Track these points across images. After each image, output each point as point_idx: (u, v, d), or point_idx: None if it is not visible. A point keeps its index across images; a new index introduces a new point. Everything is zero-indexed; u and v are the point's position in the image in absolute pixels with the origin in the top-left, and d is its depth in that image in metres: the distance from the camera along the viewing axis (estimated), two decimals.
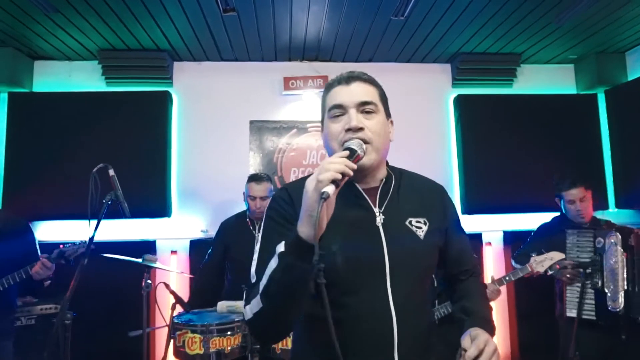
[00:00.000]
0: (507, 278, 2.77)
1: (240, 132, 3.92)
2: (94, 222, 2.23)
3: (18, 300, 3.04)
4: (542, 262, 2.68)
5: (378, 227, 1.17)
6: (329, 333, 0.92)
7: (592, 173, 3.83)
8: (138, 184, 3.56)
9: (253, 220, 2.95)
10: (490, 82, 4.03)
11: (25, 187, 3.52)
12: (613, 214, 3.85)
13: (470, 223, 3.89)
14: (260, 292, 1.04)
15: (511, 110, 3.95)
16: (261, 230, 1.20)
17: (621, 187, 3.80)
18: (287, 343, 2.24)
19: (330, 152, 1.20)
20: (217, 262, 2.97)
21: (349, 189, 1.18)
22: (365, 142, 1.13)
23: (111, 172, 2.31)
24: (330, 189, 0.94)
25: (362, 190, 1.20)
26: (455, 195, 3.99)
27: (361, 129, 1.14)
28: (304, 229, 0.97)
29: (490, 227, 3.92)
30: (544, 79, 4.14)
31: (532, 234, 3.17)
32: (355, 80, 1.20)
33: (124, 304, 3.19)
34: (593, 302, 2.62)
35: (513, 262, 3.01)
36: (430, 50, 3.80)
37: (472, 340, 1.09)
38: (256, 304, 1.05)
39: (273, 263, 1.03)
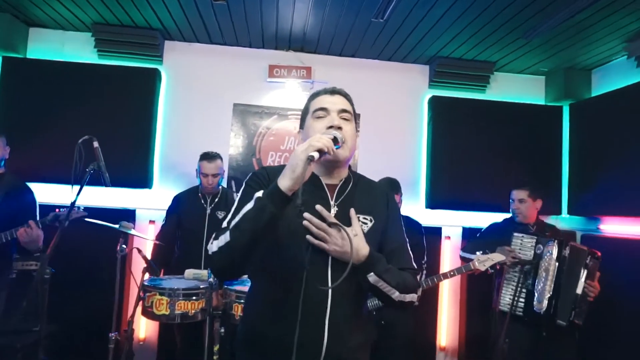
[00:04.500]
0: (452, 273, 3.06)
1: (223, 114, 4.12)
2: (76, 187, 2.40)
3: None
4: (484, 262, 2.96)
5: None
6: (278, 290, 1.23)
7: (549, 180, 4.15)
8: (122, 154, 3.74)
9: (205, 195, 3.35)
10: (465, 86, 4.25)
11: (17, 149, 3.68)
12: (565, 219, 4.16)
13: (432, 217, 4.16)
14: (231, 227, 1.24)
15: (481, 114, 4.19)
16: (239, 194, 1.41)
17: (574, 195, 4.09)
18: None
19: None
20: (172, 229, 3.34)
21: (314, 181, 1.41)
22: (342, 141, 1.38)
23: (95, 144, 2.47)
24: (316, 155, 1.18)
25: (324, 185, 1.43)
26: (421, 190, 4.25)
27: (340, 128, 1.39)
28: (284, 181, 1.18)
29: (451, 222, 4.20)
30: (515, 88, 4.37)
31: (482, 230, 3.46)
32: (337, 93, 1.48)
33: (100, 266, 3.42)
34: (524, 300, 2.92)
35: (461, 253, 3.30)
36: (410, 51, 4.00)
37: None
38: (224, 238, 1.24)
39: (249, 205, 1.23)
